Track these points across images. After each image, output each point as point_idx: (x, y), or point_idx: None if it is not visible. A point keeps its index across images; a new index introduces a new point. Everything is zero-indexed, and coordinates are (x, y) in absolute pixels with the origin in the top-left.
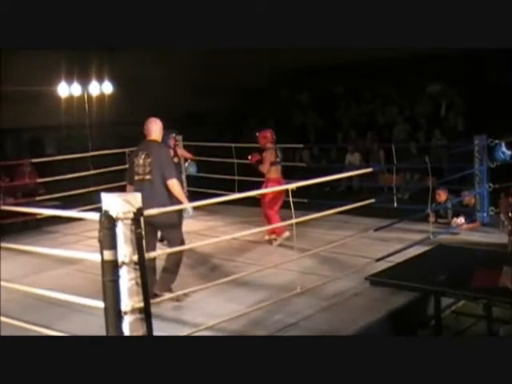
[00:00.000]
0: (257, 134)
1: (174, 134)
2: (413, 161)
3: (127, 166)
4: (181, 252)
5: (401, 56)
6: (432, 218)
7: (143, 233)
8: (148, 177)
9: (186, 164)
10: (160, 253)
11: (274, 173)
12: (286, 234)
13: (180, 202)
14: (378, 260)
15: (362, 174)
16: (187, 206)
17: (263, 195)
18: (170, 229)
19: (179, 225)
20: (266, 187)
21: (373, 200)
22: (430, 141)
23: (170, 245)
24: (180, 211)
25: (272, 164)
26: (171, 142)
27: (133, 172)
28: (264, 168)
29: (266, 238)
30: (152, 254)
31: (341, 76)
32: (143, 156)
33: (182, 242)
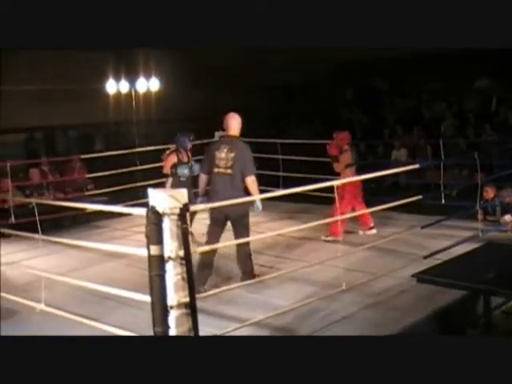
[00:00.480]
0: (334, 134)
1: (191, 137)
2: (461, 157)
3: (204, 156)
4: (248, 243)
5: (447, 51)
6: (480, 216)
7: (212, 224)
8: (229, 171)
9: (191, 163)
10: (207, 248)
11: (350, 174)
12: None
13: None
14: (426, 257)
15: (409, 171)
16: (258, 197)
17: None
18: (241, 220)
19: (248, 215)
20: (344, 187)
21: (420, 196)
22: (480, 136)
23: (239, 235)
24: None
25: (347, 166)
26: (187, 145)
27: (212, 164)
28: (339, 168)
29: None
30: (199, 249)
31: (385, 72)
32: (225, 150)
33: (248, 233)
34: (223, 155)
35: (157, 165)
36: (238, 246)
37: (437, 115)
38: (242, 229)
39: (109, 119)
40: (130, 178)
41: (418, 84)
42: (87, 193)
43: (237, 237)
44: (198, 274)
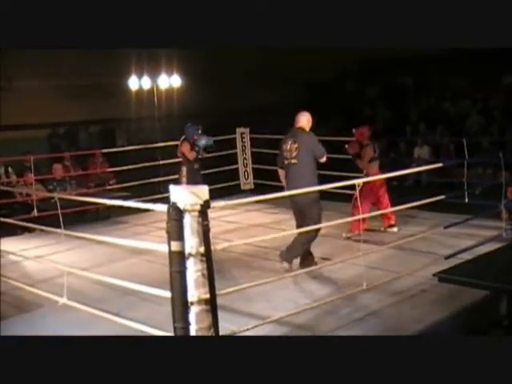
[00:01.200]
0: (353, 130)
1: (199, 130)
2: (485, 155)
3: (278, 152)
4: (316, 230)
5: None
6: (504, 215)
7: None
8: (294, 161)
9: (196, 137)
10: (227, 245)
11: (374, 168)
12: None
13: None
14: (448, 257)
15: (432, 169)
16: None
17: (363, 190)
18: (310, 206)
19: (318, 202)
20: (370, 183)
21: (443, 196)
22: (505, 134)
23: (308, 222)
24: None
25: (372, 160)
26: (195, 136)
27: (282, 157)
28: (363, 163)
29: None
30: (219, 246)
31: (410, 69)
32: (290, 142)
33: (320, 220)
34: (288, 147)
35: (178, 160)
36: (299, 233)
37: (461, 112)
38: (310, 214)
39: (131, 115)
40: (152, 173)
41: (442, 81)
42: (109, 187)
43: (298, 224)
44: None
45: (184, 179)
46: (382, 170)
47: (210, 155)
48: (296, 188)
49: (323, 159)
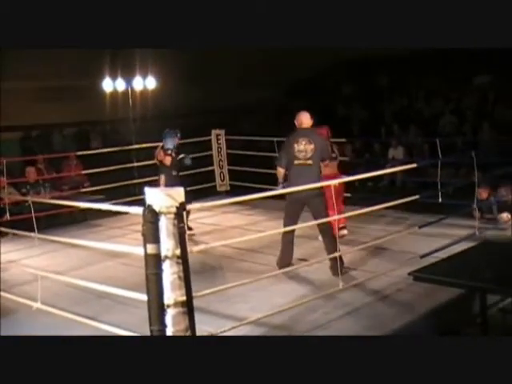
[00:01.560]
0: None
1: (178, 134)
2: (458, 155)
3: (282, 150)
4: (330, 222)
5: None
6: (477, 214)
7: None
8: (309, 162)
9: (182, 155)
10: (203, 247)
11: (330, 168)
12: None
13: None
14: (423, 256)
15: (406, 169)
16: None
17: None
18: (317, 202)
19: (324, 197)
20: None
21: (417, 196)
22: (477, 134)
23: (317, 214)
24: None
25: (331, 160)
26: (175, 141)
27: (291, 157)
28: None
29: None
30: (195, 249)
31: (385, 68)
32: (304, 142)
33: (327, 214)
34: (302, 147)
35: (153, 162)
36: (321, 226)
37: (434, 112)
38: (317, 209)
39: (105, 117)
40: (127, 176)
41: (416, 81)
42: (83, 190)
43: (316, 216)
44: (284, 254)
45: (163, 187)
46: (358, 170)
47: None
48: (308, 190)
49: (326, 162)
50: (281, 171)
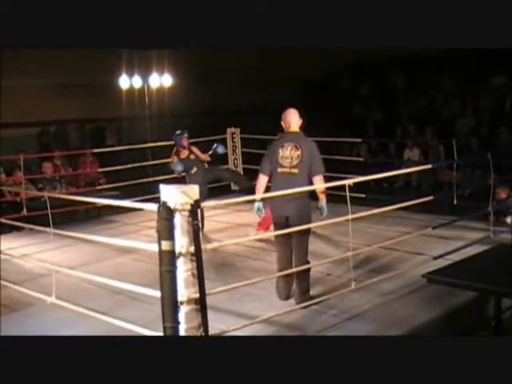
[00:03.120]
0: None
1: (185, 134)
2: (474, 157)
3: (265, 156)
4: (306, 254)
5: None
6: (492, 217)
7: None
8: (295, 170)
9: (215, 145)
10: (217, 245)
11: None
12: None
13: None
14: (436, 258)
15: (421, 170)
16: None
17: None
18: (300, 233)
19: (309, 222)
20: None
21: (431, 197)
22: (494, 136)
23: (297, 244)
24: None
25: None
26: (184, 142)
27: (274, 163)
28: None
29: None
30: (209, 246)
31: (402, 68)
32: (290, 148)
33: (307, 252)
34: (287, 153)
35: (168, 160)
36: (297, 263)
37: (451, 114)
38: (301, 239)
39: (122, 114)
40: (142, 173)
41: (433, 82)
42: (99, 187)
43: (295, 248)
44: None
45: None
46: (373, 170)
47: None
48: (290, 204)
49: (319, 177)
50: (263, 180)
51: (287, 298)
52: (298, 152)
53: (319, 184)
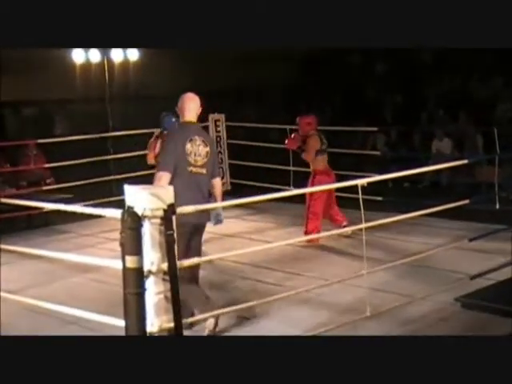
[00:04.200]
0: (297, 119)
1: (174, 119)
2: None
3: (168, 150)
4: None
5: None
6: None
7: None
8: (203, 170)
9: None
10: (196, 261)
11: (322, 162)
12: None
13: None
14: (474, 277)
15: (454, 167)
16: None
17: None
18: (202, 232)
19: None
20: (314, 180)
21: (467, 201)
22: None
23: (194, 251)
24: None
25: (318, 152)
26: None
27: (181, 160)
28: (309, 156)
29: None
30: (186, 262)
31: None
32: (198, 143)
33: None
34: (197, 149)
35: (136, 154)
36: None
37: (490, 96)
38: (199, 245)
39: (75, 95)
40: (101, 170)
41: (469, 57)
42: (46, 188)
43: (193, 253)
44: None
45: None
46: (392, 167)
47: None
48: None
49: (219, 179)
50: (165, 179)
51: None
52: (207, 149)
53: (219, 186)
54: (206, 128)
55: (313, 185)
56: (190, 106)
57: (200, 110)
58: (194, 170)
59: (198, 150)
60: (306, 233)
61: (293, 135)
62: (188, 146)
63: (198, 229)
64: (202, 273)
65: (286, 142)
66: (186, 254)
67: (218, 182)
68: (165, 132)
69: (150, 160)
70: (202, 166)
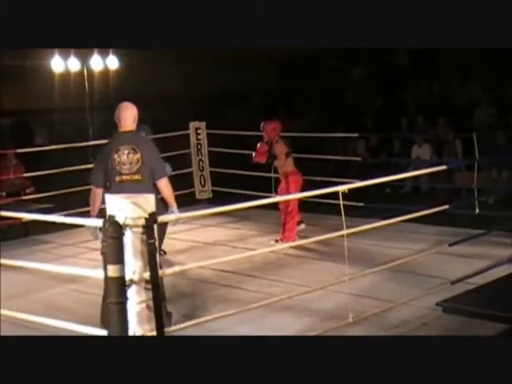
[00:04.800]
0: (262, 125)
1: (149, 131)
2: (500, 154)
3: (97, 163)
4: None
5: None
6: None
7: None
8: (137, 176)
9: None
10: (178, 270)
11: (290, 164)
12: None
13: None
14: (455, 282)
15: (434, 173)
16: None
17: (285, 191)
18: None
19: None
20: (288, 180)
21: (447, 206)
22: None
23: None
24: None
25: (287, 156)
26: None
27: (110, 171)
28: (281, 161)
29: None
30: (169, 271)
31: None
32: (127, 151)
33: None
34: (125, 158)
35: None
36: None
37: (470, 101)
38: None
39: (54, 105)
40: (82, 179)
41: (447, 61)
42: (26, 197)
43: None
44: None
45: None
46: (373, 173)
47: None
48: None
49: (163, 182)
50: (98, 193)
51: None
52: (137, 155)
53: (165, 189)
54: (186, 137)
55: (289, 185)
56: (126, 115)
57: (137, 118)
58: (124, 178)
59: (126, 159)
60: (285, 233)
61: (259, 146)
62: (115, 156)
63: None
64: (184, 281)
65: (254, 155)
66: None
67: (163, 184)
68: None
69: None
70: (134, 174)
